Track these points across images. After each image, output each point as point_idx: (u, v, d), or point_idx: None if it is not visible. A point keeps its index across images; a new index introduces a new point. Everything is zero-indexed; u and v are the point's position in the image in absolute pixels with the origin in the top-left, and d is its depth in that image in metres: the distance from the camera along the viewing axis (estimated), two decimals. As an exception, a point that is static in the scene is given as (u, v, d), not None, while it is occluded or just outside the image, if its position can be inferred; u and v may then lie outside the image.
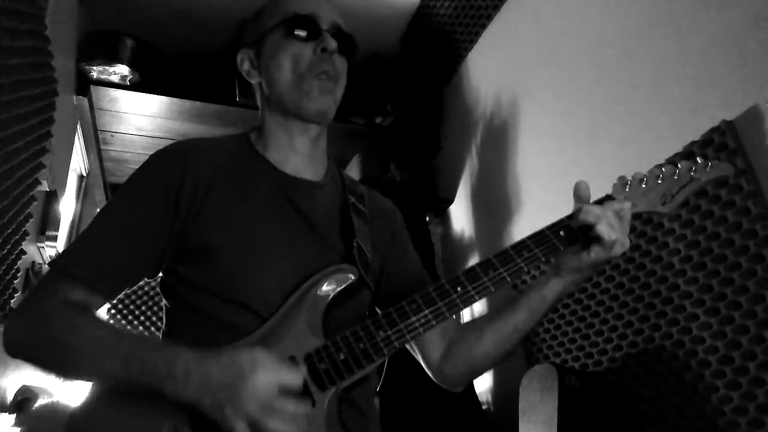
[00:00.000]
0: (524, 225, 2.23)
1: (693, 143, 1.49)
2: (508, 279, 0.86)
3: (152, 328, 3.64)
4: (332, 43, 0.97)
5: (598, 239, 0.85)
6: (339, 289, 0.89)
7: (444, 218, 2.92)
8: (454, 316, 0.88)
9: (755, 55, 1.37)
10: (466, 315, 2.42)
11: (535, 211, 2.19)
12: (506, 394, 2.23)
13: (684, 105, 1.55)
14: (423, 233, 2.68)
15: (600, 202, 0.92)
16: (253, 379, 0.71)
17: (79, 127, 2.77)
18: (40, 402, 1.93)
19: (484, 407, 2.33)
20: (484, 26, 2.64)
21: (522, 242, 0.89)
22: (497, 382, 2.36)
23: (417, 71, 3.04)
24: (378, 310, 1.04)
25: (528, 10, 2.34)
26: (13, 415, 1.82)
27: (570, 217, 0.90)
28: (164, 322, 0.96)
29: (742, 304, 1.34)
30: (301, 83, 0.97)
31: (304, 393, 0.78)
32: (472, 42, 2.75)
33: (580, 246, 0.88)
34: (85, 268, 0.86)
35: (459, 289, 0.86)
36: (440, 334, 1.03)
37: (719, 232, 1.40)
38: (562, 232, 0.89)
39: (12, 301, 1.67)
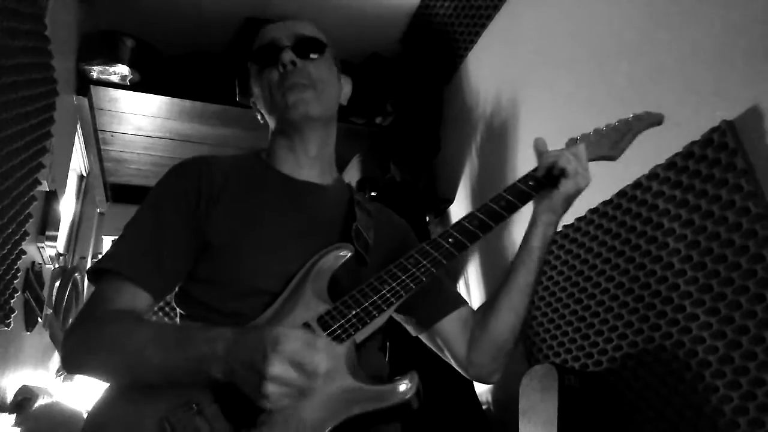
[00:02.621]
0: (524, 224, 2.23)
1: (693, 143, 1.49)
2: (492, 224, 0.98)
3: None
4: (286, 56, 1.03)
5: (562, 172, 1.00)
6: (339, 263, 0.95)
7: (444, 218, 2.92)
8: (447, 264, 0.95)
9: (755, 55, 1.37)
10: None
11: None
12: (506, 394, 2.23)
13: (684, 105, 1.55)
14: (423, 233, 2.68)
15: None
16: (289, 333, 0.75)
17: (79, 127, 2.77)
18: (40, 402, 1.93)
19: (484, 407, 2.33)
20: (484, 26, 2.64)
21: (499, 195, 1.02)
22: (497, 382, 2.36)
23: (417, 71, 3.04)
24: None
25: (528, 10, 2.34)
26: (13, 415, 1.81)
27: (534, 170, 1.05)
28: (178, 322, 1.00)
29: (742, 304, 1.34)
30: (281, 100, 1.04)
31: None
32: (472, 42, 2.75)
33: (549, 189, 1.02)
34: (129, 265, 0.91)
35: (450, 239, 0.95)
36: (461, 329, 1.08)
37: (719, 232, 1.40)
38: (530, 182, 1.04)
39: (12, 301, 1.67)
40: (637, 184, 1.66)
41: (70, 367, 0.87)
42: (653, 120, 1.13)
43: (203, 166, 1.02)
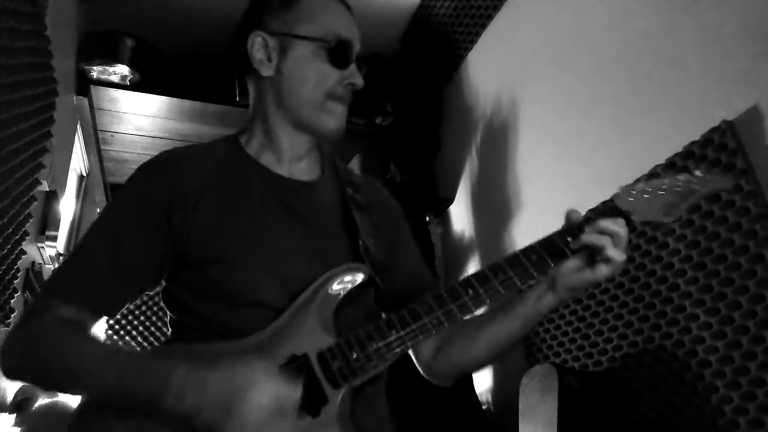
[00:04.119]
0: (524, 225, 2.23)
1: (693, 143, 1.49)
2: (518, 282, 0.86)
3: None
4: (360, 82, 1.00)
5: (607, 260, 0.84)
6: (350, 288, 0.89)
7: (444, 218, 2.92)
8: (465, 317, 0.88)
9: (755, 55, 1.37)
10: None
11: (535, 211, 2.19)
12: (506, 394, 2.23)
13: (684, 105, 1.55)
14: (423, 233, 2.68)
15: (603, 212, 0.90)
16: (250, 395, 0.71)
17: (79, 127, 2.77)
18: (40, 402, 1.93)
19: (484, 407, 2.33)
20: (484, 26, 2.64)
21: (531, 246, 0.89)
22: (497, 382, 2.36)
23: (417, 71, 3.04)
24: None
25: (528, 10, 2.34)
26: (13, 415, 1.81)
27: (579, 229, 0.88)
28: (170, 333, 0.95)
29: (742, 304, 1.34)
30: (324, 103, 0.98)
31: (317, 392, 0.79)
32: (472, 42, 2.75)
33: (584, 263, 0.86)
34: (74, 288, 0.86)
35: (470, 291, 0.86)
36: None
37: (719, 232, 1.40)
38: (569, 239, 0.88)
39: (12, 301, 1.67)
40: (637, 184, 1.66)
41: (7, 373, 0.84)
42: (722, 185, 0.96)
43: (175, 172, 0.92)
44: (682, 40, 1.58)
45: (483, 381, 2.42)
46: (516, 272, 0.86)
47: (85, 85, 2.67)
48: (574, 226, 0.88)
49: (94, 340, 0.86)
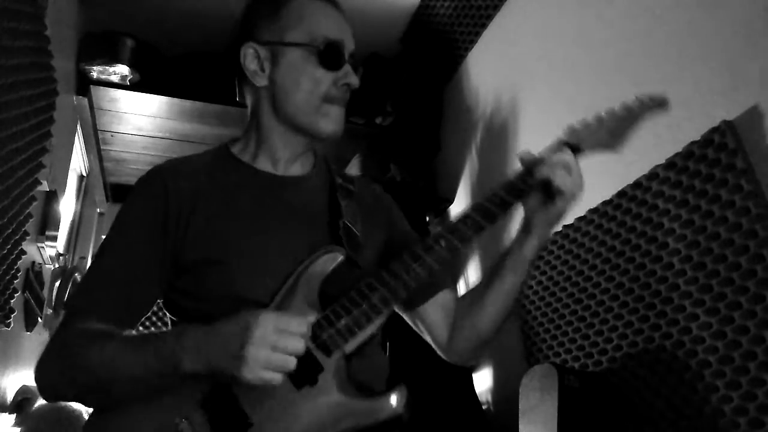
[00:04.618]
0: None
1: (693, 143, 1.49)
2: (485, 224, 0.92)
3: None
4: (355, 81, 1.00)
5: (560, 190, 0.91)
6: (329, 269, 0.92)
7: (444, 218, 2.92)
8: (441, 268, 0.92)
9: (755, 55, 1.37)
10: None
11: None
12: (506, 394, 2.23)
13: (684, 105, 1.55)
14: (423, 233, 2.68)
15: (552, 149, 0.98)
16: (255, 326, 0.76)
17: (79, 127, 2.78)
18: (40, 402, 1.93)
19: (484, 407, 2.33)
20: (484, 26, 2.64)
21: (493, 192, 0.95)
22: (497, 382, 2.36)
23: (417, 71, 3.04)
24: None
25: (528, 10, 2.34)
26: (13, 415, 1.82)
27: (533, 167, 0.94)
28: None
29: (742, 304, 1.34)
30: (320, 107, 0.99)
31: (311, 362, 0.83)
32: (472, 42, 2.75)
33: (544, 197, 0.93)
34: (96, 303, 0.90)
35: (443, 242, 0.91)
36: (444, 314, 1.07)
37: (719, 232, 1.40)
38: (525, 179, 0.94)
39: (12, 301, 1.67)
40: (637, 184, 1.66)
41: (49, 396, 0.88)
42: (656, 103, 1.05)
43: (169, 183, 0.96)
44: (682, 40, 1.58)
45: (483, 381, 2.42)
46: (481, 215, 0.92)
47: (85, 85, 2.67)
48: (528, 166, 0.94)
49: (113, 335, 0.88)
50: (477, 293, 1.04)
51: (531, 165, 0.93)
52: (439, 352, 1.09)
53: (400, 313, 1.12)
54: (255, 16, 1.03)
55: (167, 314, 1.00)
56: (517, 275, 0.98)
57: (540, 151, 0.96)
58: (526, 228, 0.97)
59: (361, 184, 1.14)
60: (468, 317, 1.04)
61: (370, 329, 0.87)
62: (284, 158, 1.03)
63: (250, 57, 1.00)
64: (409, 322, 1.12)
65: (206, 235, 0.92)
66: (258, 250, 0.93)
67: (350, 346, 0.86)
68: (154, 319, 3.64)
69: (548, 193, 0.93)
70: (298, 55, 0.97)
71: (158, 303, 1.00)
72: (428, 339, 1.10)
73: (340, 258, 0.93)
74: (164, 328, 3.57)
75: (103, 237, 0.99)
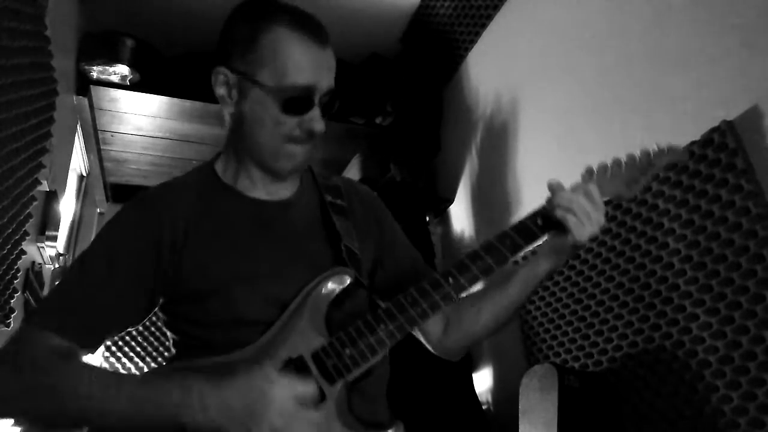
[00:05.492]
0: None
1: (693, 143, 1.49)
2: (495, 267, 0.94)
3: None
4: (319, 127, 0.93)
5: (572, 236, 0.93)
6: (338, 290, 0.93)
7: (444, 218, 2.92)
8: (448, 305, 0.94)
9: (755, 55, 1.37)
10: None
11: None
12: (506, 394, 2.23)
13: (684, 105, 1.55)
14: (423, 233, 2.68)
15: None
16: (272, 396, 0.76)
17: (79, 127, 2.77)
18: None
19: (484, 407, 2.33)
20: (484, 26, 2.64)
21: (505, 233, 0.97)
22: (497, 382, 2.36)
23: (417, 71, 3.04)
24: (379, 301, 1.08)
25: (528, 10, 2.34)
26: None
27: (547, 207, 0.98)
28: (174, 351, 0.98)
29: (742, 304, 1.34)
30: (282, 147, 0.94)
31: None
32: (472, 42, 2.75)
33: (561, 230, 0.95)
34: (60, 321, 0.85)
35: (451, 280, 0.92)
36: (437, 317, 1.06)
37: (719, 232, 1.40)
38: (539, 221, 0.97)
39: (12, 301, 1.67)
40: (637, 184, 1.66)
41: (4, 414, 0.81)
42: (676, 157, 1.06)
43: (163, 213, 0.94)
44: (682, 39, 1.58)
45: (483, 381, 2.42)
46: (492, 258, 0.94)
47: (85, 85, 2.67)
48: (543, 207, 0.97)
49: (97, 368, 0.87)
50: (477, 299, 1.05)
51: (547, 206, 0.96)
52: (427, 346, 1.11)
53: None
54: (231, 40, 0.98)
55: (168, 333, 1.00)
56: (525, 291, 1.01)
57: (570, 185, 0.99)
58: (543, 251, 0.99)
59: (348, 191, 1.12)
60: (463, 322, 1.06)
61: (375, 360, 0.88)
62: (263, 181, 1.01)
63: (220, 82, 0.97)
64: None
65: (203, 267, 0.91)
66: (254, 276, 0.92)
67: (352, 375, 0.87)
68: (153, 329, 3.66)
69: (564, 230, 0.95)
70: (264, 95, 0.92)
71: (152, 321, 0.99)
72: (419, 336, 1.11)
73: (349, 281, 0.94)
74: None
75: (85, 248, 0.94)
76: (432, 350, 1.10)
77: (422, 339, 1.10)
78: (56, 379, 0.79)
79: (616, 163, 1.03)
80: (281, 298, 0.92)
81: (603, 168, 1.03)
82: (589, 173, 1.03)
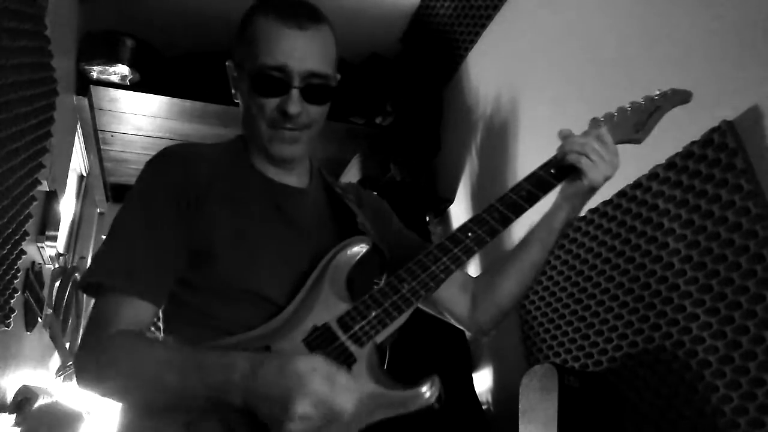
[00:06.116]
0: (524, 224, 2.23)
1: (693, 143, 1.49)
2: (513, 217, 0.95)
3: None
4: (293, 109, 0.93)
5: (587, 177, 0.96)
6: (358, 255, 0.94)
7: (444, 218, 2.92)
8: (468, 260, 0.94)
9: (755, 55, 1.37)
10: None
11: (534, 211, 2.18)
12: (506, 394, 2.23)
13: (684, 105, 1.54)
14: (423, 233, 2.68)
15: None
16: (310, 374, 0.72)
17: (79, 127, 2.77)
18: (40, 402, 1.93)
19: (484, 407, 2.33)
20: (484, 26, 2.64)
21: (519, 184, 0.99)
22: (497, 382, 2.36)
23: (417, 71, 3.04)
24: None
25: (528, 10, 2.34)
26: (13, 415, 1.81)
27: (559, 155, 1.00)
28: (162, 324, 0.96)
29: (742, 304, 1.34)
30: (266, 131, 0.96)
31: (344, 353, 0.83)
32: (472, 42, 2.75)
33: (574, 175, 0.97)
34: (126, 278, 0.85)
35: (470, 234, 0.93)
36: (461, 290, 1.10)
37: (719, 232, 1.40)
38: (552, 170, 1.00)
39: (12, 301, 1.67)
40: (637, 184, 1.66)
41: (86, 386, 0.83)
42: (681, 98, 1.06)
43: (189, 161, 0.96)
44: (682, 40, 1.58)
45: (483, 381, 2.42)
46: (510, 209, 0.96)
47: (85, 85, 2.67)
48: (554, 157, 1.00)
49: (154, 342, 0.86)
50: (500, 265, 1.06)
51: (563, 147, 0.98)
52: (460, 326, 1.12)
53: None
54: (234, 36, 1.03)
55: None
56: (544, 247, 1.02)
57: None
58: (558, 202, 1.01)
59: (354, 191, 1.17)
60: (490, 293, 1.06)
61: (401, 320, 0.88)
62: (278, 163, 1.03)
63: (229, 75, 1.02)
64: (426, 308, 1.12)
65: (212, 224, 0.91)
66: (263, 254, 0.92)
67: (381, 336, 0.86)
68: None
69: (577, 174, 0.96)
70: (245, 80, 0.96)
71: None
72: (447, 316, 1.12)
73: (367, 247, 0.95)
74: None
75: (119, 212, 0.93)
76: (466, 330, 1.12)
77: (453, 321, 1.11)
78: (120, 362, 0.80)
79: (621, 109, 1.04)
80: (288, 281, 0.92)
81: (609, 115, 1.04)
82: (595, 121, 1.04)
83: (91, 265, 0.91)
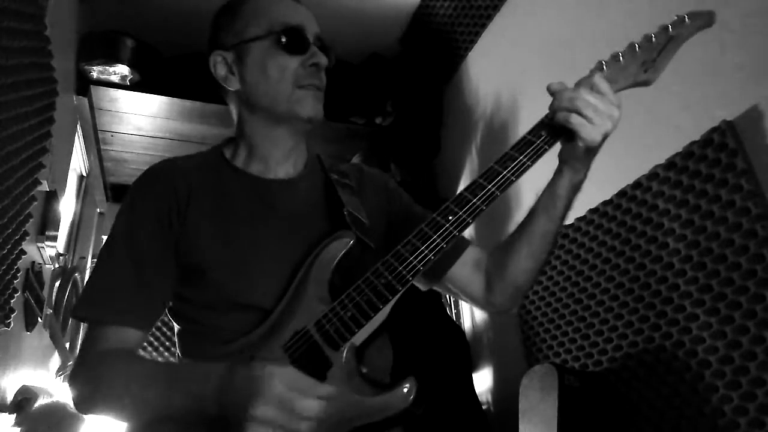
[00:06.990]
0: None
1: (693, 143, 1.49)
2: (498, 193, 0.86)
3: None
4: (323, 59, 0.98)
5: (580, 137, 0.85)
6: (340, 254, 0.90)
7: (444, 218, 2.92)
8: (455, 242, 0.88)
9: (755, 54, 1.37)
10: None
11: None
12: (506, 394, 2.23)
13: (684, 105, 1.55)
14: (423, 233, 2.67)
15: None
16: (270, 377, 0.71)
17: (79, 127, 2.77)
18: (40, 402, 1.93)
19: (484, 407, 2.33)
20: (484, 26, 2.64)
21: (506, 154, 0.89)
22: (497, 382, 2.36)
23: (417, 71, 3.04)
24: None
25: (528, 10, 2.34)
26: (13, 415, 1.81)
27: (549, 113, 0.90)
28: (177, 344, 0.97)
29: (742, 304, 1.34)
30: (293, 93, 0.97)
31: (318, 356, 0.81)
32: (472, 42, 2.75)
33: (568, 137, 0.87)
34: (111, 311, 0.88)
35: (451, 217, 0.86)
36: (475, 270, 1.05)
37: (719, 232, 1.40)
38: (543, 132, 0.89)
39: (12, 301, 1.67)
40: (637, 184, 1.66)
41: (83, 410, 0.85)
42: (702, 21, 0.87)
43: (168, 181, 0.96)
44: (682, 40, 1.58)
45: (483, 381, 2.42)
46: (495, 185, 0.87)
47: (85, 85, 2.67)
48: (545, 117, 0.89)
49: (138, 359, 0.88)
50: (509, 245, 1.00)
51: (553, 105, 0.87)
52: (477, 307, 1.08)
53: (431, 287, 1.09)
54: (215, 28, 1.07)
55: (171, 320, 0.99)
56: (551, 217, 0.94)
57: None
58: (558, 167, 0.93)
59: (357, 174, 1.14)
60: (502, 270, 1.00)
61: (378, 319, 0.83)
62: (275, 157, 1.02)
63: (219, 64, 1.02)
64: (442, 290, 1.10)
65: (197, 238, 0.91)
66: (253, 257, 0.92)
67: (358, 338, 0.82)
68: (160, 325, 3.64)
69: (571, 135, 0.85)
70: (261, 48, 0.97)
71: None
72: (463, 298, 1.08)
73: (351, 241, 0.91)
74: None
75: (106, 237, 0.96)
76: (483, 310, 1.10)
77: (471, 303, 1.08)
78: (107, 383, 0.83)
79: (630, 47, 0.89)
80: (276, 276, 0.90)
81: (614, 56, 0.89)
82: (598, 66, 0.90)
83: (80, 297, 0.93)
